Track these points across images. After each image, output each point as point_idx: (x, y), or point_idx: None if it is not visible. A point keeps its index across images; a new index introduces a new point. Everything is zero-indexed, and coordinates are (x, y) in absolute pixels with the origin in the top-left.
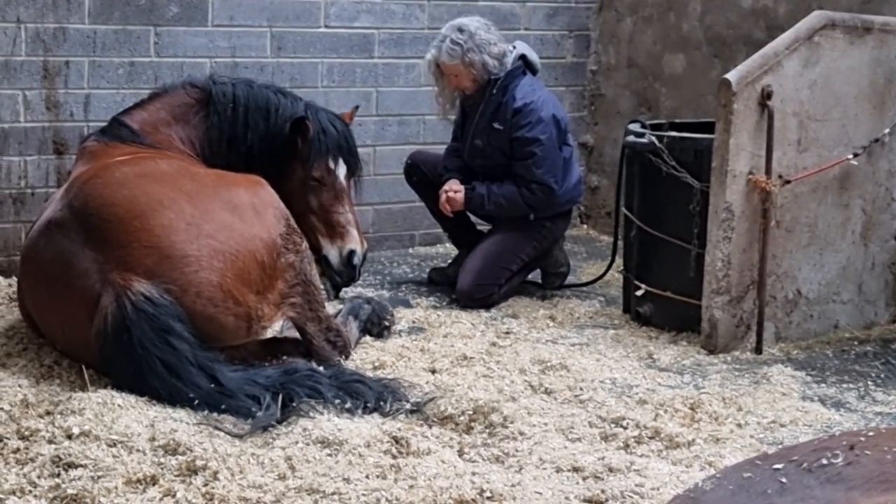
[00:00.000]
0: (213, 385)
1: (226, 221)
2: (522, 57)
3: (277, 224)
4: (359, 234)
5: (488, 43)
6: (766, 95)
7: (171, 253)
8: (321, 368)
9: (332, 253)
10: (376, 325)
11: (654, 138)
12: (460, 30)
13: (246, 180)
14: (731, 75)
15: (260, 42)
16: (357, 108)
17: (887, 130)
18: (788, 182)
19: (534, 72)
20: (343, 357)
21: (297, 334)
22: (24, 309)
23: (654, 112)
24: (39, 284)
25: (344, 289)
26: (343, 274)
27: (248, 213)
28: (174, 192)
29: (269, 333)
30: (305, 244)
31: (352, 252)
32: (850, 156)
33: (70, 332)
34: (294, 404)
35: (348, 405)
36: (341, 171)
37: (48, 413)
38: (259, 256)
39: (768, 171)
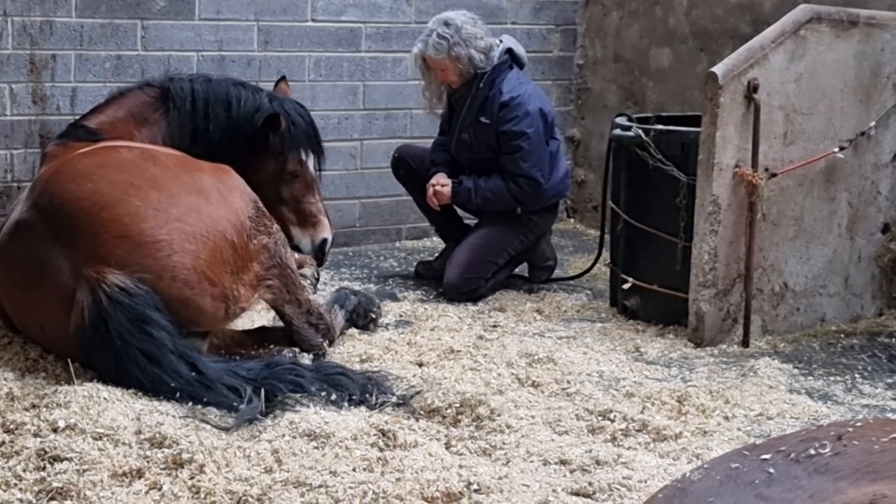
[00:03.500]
0: (193, 373)
1: (193, 204)
2: (509, 51)
3: (245, 207)
4: (329, 222)
5: (475, 37)
6: (752, 89)
7: (142, 240)
8: (304, 361)
9: (305, 242)
10: (362, 317)
11: (640, 132)
12: (446, 24)
13: (210, 167)
14: (718, 69)
15: (247, 36)
16: (284, 77)
17: (873, 123)
18: (775, 175)
19: (521, 66)
20: (327, 342)
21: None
22: (1, 312)
23: (641, 106)
24: (14, 287)
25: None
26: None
27: (214, 195)
28: (139, 179)
29: (257, 322)
30: (277, 227)
31: (324, 241)
32: (837, 149)
33: (49, 330)
34: (278, 398)
35: (333, 397)
36: (311, 161)
37: (34, 406)
38: (229, 237)
39: (755, 165)
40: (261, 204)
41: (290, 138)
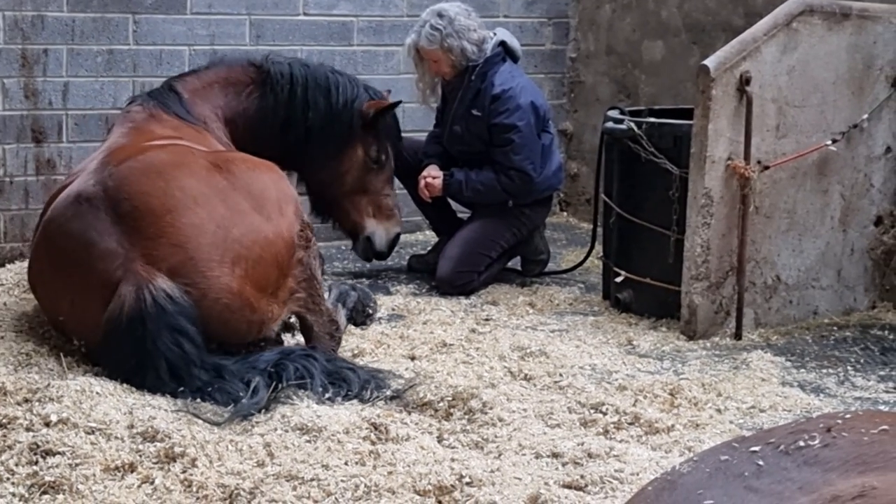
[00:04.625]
0: (213, 381)
1: (253, 224)
2: (503, 44)
3: (295, 221)
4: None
5: (468, 29)
6: (744, 81)
7: (198, 255)
8: (317, 353)
9: (379, 234)
10: (360, 313)
11: (632, 124)
12: (440, 15)
13: (271, 171)
14: (710, 61)
15: (239, 30)
16: (389, 92)
17: (866, 116)
18: (767, 168)
19: (514, 59)
20: (338, 347)
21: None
22: (31, 271)
23: (634, 99)
24: (57, 252)
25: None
26: (384, 255)
27: (274, 211)
28: (208, 188)
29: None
30: (315, 239)
31: (398, 234)
32: (829, 142)
33: (80, 308)
34: (281, 386)
35: (329, 394)
36: (392, 155)
37: (26, 401)
38: (279, 258)
39: (747, 157)
40: (305, 216)
41: (386, 129)
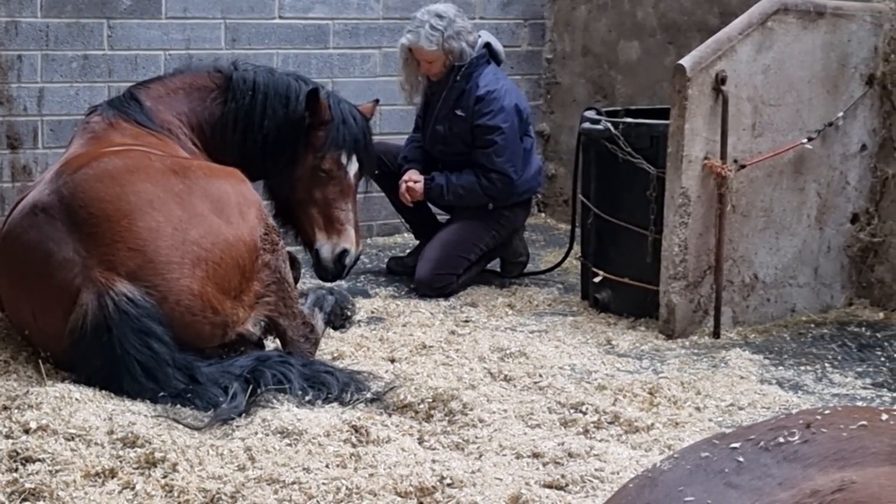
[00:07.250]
0: (190, 385)
1: (212, 226)
2: (487, 46)
3: (258, 225)
4: (356, 234)
5: (465, 31)
6: (720, 81)
7: (156, 258)
8: (293, 358)
9: (325, 248)
10: (339, 317)
11: (609, 125)
12: (439, 16)
13: (232, 176)
14: (686, 61)
15: (214, 34)
16: (378, 101)
17: (841, 114)
18: (744, 167)
19: (498, 62)
20: (314, 350)
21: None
22: None
23: (610, 99)
24: (16, 265)
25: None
26: (330, 271)
27: (234, 215)
28: (164, 191)
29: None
30: (282, 242)
31: (344, 251)
32: (805, 140)
33: (42, 320)
34: (260, 391)
35: (309, 397)
36: (352, 167)
37: (5, 408)
38: (241, 261)
39: (723, 156)
40: (271, 219)
41: (333, 136)
